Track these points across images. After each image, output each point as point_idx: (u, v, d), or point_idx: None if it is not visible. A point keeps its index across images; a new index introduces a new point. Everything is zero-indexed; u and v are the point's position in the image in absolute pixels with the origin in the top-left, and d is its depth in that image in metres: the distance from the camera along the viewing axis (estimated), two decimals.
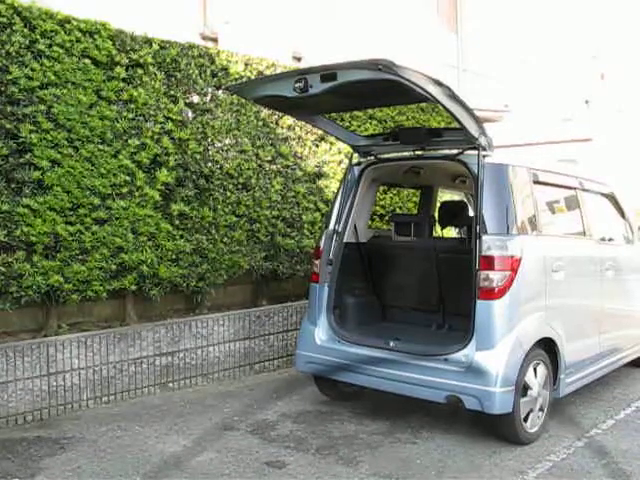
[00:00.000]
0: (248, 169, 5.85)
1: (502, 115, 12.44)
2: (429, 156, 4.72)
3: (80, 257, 4.72)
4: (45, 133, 4.50)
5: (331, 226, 4.85)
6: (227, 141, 5.72)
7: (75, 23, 4.70)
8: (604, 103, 15.94)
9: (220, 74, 5.67)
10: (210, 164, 5.55)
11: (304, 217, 6.34)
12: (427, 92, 3.66)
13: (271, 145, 6.07)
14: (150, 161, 5.11)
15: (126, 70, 4.97)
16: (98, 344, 4.83)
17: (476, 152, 4.13)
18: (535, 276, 4.23)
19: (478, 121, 4.07)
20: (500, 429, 4.11)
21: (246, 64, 5.87)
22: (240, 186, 5.80)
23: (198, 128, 5.46)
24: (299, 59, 9.07)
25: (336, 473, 3.67)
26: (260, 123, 5.98)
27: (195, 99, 5.51)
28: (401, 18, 10.95)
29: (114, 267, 4.87)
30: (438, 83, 3.71)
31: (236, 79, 5.69)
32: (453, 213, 5.53)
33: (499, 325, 3.97)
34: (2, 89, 4.35)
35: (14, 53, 4.37)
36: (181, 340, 5.34)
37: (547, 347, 4.29)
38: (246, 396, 5.14)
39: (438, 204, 6.19)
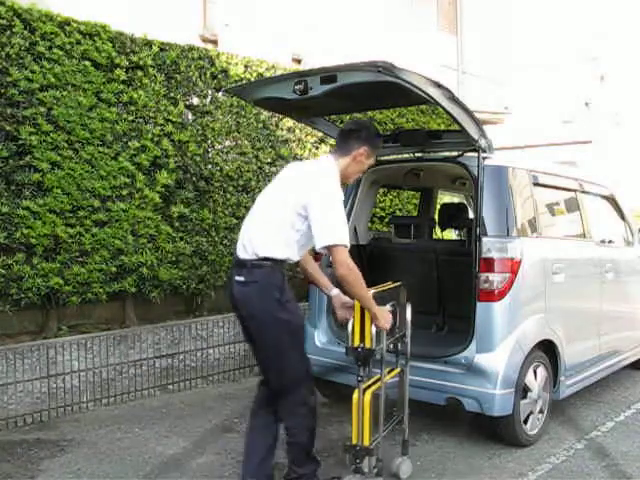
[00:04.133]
0: (248, 171, 5.85)
1: (502, 117, 12.44)
2: (429, 158, 4.72)
3: (80, 259, 4.72)
4: (45, 135, 4.50)
5: None
6: (227, 143, 5.72)
7: (75, 25, 4.70)
8: (604, 105, 15.96)
9: (220, 76, 5.67)
10: (210, 166, 5.56)
11: None
12: (427, 94, 3.66)
13: (271, 147, 6.08)
14: (150, 163, 5.11)
15: (126, 72, 4.97)
16: (98, 346, 4.84)
17: (476, 154, 4.12)
18: (535, 278, 4.22)
19: (478, 123, 4.07)
20: (500, 431, 4.10)
21: (246, 66, 5.88)
22: (240, 188, 5.81)
23: (198, 130, 5.47)
24: (299, 61, 9.08)
25: (336, 475, 3.66)
26: (260, 125, 5.98)
27: (195, 101, 5.51)
28: (401, 20, 10.96)
29: (114, 269, 4.87)
30: (438, 85, 3.70)
31: (236, 81, 5.69)
32: (453, 215, 5.52)
33: (499, 327, 3.96)
34: (2, 91, 4.35)
35: (14, 55, 4.37)
36: (181, 342, 5.34)
37: (547, 349, 4.28)
38: (246, 398, 5.11)
39: (438, 206, 6.19)
